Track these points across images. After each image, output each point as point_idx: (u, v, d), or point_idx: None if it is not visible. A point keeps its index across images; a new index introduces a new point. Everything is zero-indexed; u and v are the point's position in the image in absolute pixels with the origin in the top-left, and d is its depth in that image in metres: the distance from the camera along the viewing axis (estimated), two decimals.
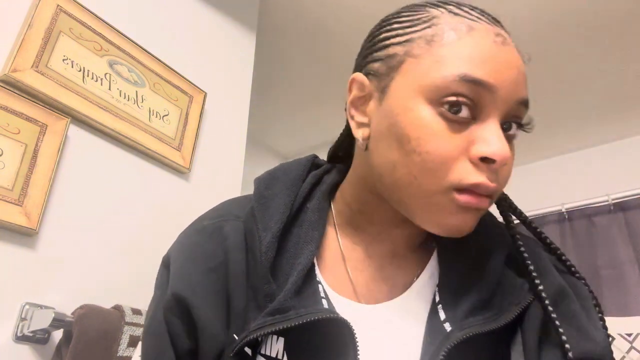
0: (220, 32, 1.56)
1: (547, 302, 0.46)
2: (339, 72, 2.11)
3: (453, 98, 0.44)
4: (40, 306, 0.93)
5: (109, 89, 1.17)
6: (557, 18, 1.75)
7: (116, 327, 0.94)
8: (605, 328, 0.50)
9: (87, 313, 0.92)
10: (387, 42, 0.50)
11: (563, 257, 0.53)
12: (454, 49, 0.45)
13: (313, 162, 0.60)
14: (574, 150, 2.50)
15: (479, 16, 0.47)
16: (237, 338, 0.46)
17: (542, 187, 2.46)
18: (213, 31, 1.54)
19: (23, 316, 0.91)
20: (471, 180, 0.44)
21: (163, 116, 1.28)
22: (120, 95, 1.19)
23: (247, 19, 1.68)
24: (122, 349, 0.94)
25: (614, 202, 2.09)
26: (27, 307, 0.92)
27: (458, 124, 0.44)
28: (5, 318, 0.91)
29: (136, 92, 1.23)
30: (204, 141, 1.40)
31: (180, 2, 1.46)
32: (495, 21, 0.49)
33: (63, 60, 1.09)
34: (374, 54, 0.51)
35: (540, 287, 0.47)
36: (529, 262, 0.49)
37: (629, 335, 1.74)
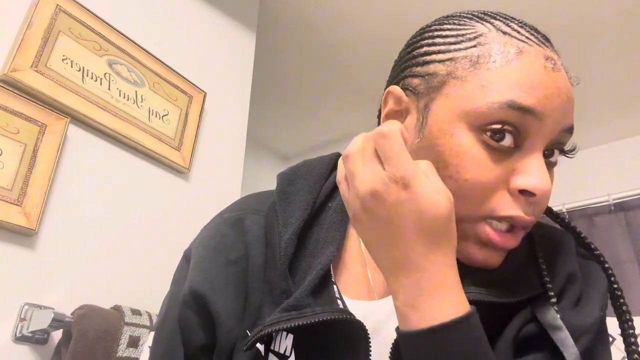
0: (220, 32, 1.56)
1: (553, 300, 0.45)
2: (339, 71, 2.11)
3: (497, 126, 0.42)
4: (40, 306, 0.93)
5: (109, 88, 1.17)
6: (556, 17, 1.74)
7: (116, 327, 0.94)
8: (624, 312, 0.48)
9: (87, 313, 0.92)
10: (428, 57, 0.47)
11: (586, 241, 0.52)
12: (501, 73, 0.43)
13: (337, 161, 0.59)
14: None
15: (529, 36, 0.45)
16: (249, 334, 0.46)
17: None
18: (213, 31, 1.54)
19: (22, 316, 0.91)
20: (506, 213, 0.43)
21: (163, 116, 1.28)
22: (119, 95, 1.19)
23: (247, 19, 1.67)
24: (122, 350, 0.94)
25: (614, 202, 2.09)
26: (26, 307, 0.92)
27: (500, 153, 0.43)
28: (4, 318, 0.90)
29: (136, 91, 1.23)
30: (204, 141, 1.40)
31: (180, 2, 1.46)
32: (545, 40, 0.47)
33: (62, 60, 1.09)
34: (414, 69, 0.48)
35: (549, 285, 0.46)
36: (541, 256, 0.49)
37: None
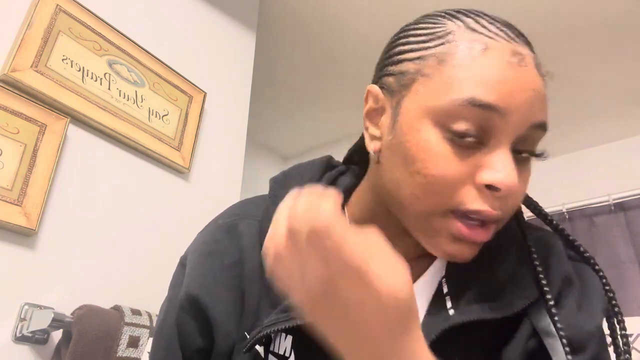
0: (220, 32, 1.56)
1: (550, 303, 0.46)
2: (339, 72, 2.11)
3: (461, 123, 0.42)
4: (40, 306, 0.93)
5: (109, 88, 1.17)
6: (556, 18, 1.74)
7: (115, 327, 0.94)
8: (616, 313, 0.49)
9: (87, 313, 0.92)
10: (401, 56, 0.49)
11: (575, 244, 0.52)
12: (465, 70, 0.43)
13: (328, 163, 0.60)
14: (575, 150, 2.50)
15: (498, 32, 0.45)
16: (248, 336, 0.46)
17: (543, 187, 2.45)
18: (213, 31, 1.54)
19: (22, 316, 0.91)
20: (472, 207, 0.43)
21: (163, 116, 1.28)
22: (119, 95, 1.19)
23: (247, 19, 1.67)
24: (122, 350, 0.93)
25: (614, 202, 2.09)
26: (26, 307, 0.92)
27: (465, 149, 0.43)
28: (4, 318, 0.90)
29: (136, 91, 1.23)
30: (204, 141, 1.40)
31: (180, 2, 1.46)
32: (517, 36, 0.46)
33: (62, 60, 1.09)
34: (389, 68, 0.50)
35: (546, 288, 0.46)
36: (536, 259, 0.48)
37: (630, 335, 1.73)
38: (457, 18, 0.47)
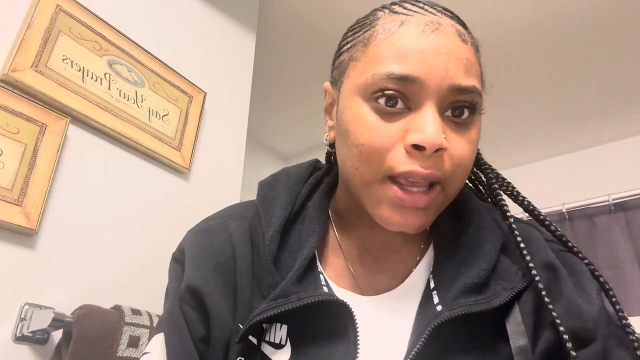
0: (220, 32, 1.56)
1: (540, 286, 0.46)
2: None
3: (383, 93, 0.46)
4: (40, 306, 0.93)
5: (109, 88, 1.17)
6: (555, 16, 1.75)
7: (116, 327, 0.94)
8: (609, 296, 0.49)
9: (87, 313, 0.92)
10: (341, 50, 0.55)
11: (557, 233, 0.53)
12: (382, 47, 0.47)
13: (315, 166, 0.63)
14: (575, 150, 2.50)
15: (416, 9, 0.49)
16: (242, 327, 0.48)
17: (543, 187, 2.46)
18: (213, 31, 1.54)
19: (22, 316, 0.91)
20: (402, 169, 0.45)
21: (163, 116, 1.28)
22: (119, 95, 1.19)
23: (247, 19, 1.67)
24: (122, 349, 0.93)
25: (614, 202, 2.09)
26: (26, 307, 0.92)
27: (391, 115, 0.46)
28: (4, 318, 0.90)
29: (136, 91, 1.23)
30: (204, 141, 1.40)
31: (180, 2, 1.46)
32: (437, 11, 0.49)
33: (63, 60, 1.09)
34: (334, 63, 0.56)
35: (534, 272, 0.47)
36: (523, 245, 0.49)
37: None
38: (386, 7, 0.51)
